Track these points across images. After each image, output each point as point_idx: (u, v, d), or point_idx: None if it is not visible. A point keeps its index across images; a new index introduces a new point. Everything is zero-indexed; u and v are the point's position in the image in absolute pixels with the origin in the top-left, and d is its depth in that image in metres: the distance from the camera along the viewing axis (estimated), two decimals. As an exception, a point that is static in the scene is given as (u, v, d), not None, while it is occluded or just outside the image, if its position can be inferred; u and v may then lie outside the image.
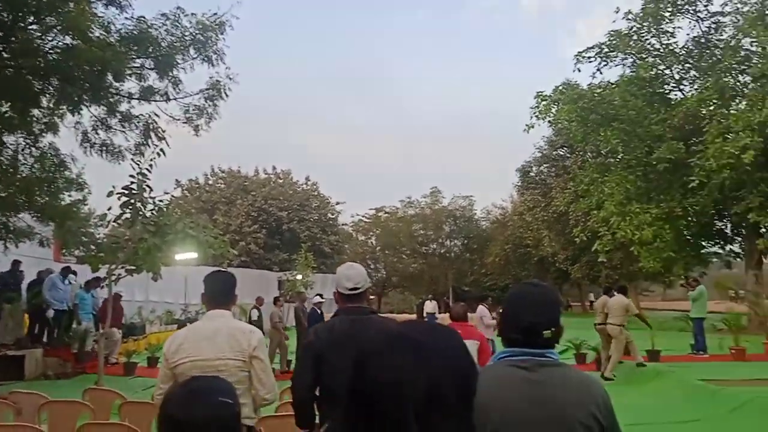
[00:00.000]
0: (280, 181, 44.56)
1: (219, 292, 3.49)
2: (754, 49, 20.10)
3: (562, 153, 41.30)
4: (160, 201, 10.52)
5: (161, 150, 10.50)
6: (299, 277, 30.99)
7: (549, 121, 24.18)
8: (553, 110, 23.10)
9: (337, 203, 46.75)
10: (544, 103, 23.05)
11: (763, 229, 20.37)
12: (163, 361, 3.35)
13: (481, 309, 12.90)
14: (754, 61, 19.71)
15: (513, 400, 1.73)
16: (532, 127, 23.62)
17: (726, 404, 8.08)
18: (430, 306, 27.66)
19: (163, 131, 11.12)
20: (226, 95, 12.22)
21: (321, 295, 14.89)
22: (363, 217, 56.72)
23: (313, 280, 33.76)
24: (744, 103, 19.27)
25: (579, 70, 23.94)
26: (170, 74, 12.27)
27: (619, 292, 12.67)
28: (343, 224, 52.00)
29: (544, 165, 43.67)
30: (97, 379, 9.85)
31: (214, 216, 42.22)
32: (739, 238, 23.67)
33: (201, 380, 1.68)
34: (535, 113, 23.31)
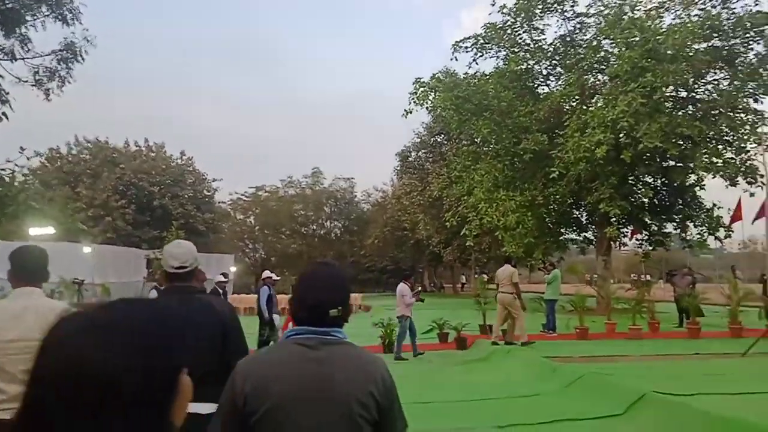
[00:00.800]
0: (153, 154, 42.20)
1: (28, 269, 3.20)
2: (611, 50, 21.67)
3: (439, 140, 42.48)
4: (2, 170, 9.59)
5: (3, 114, 9.56)
6: (170, 255, 29.71)
7: (427, 108, 24.68)
8: (431, 97, 23.57)
9: (214, 180, 45.20)
10: (422, 89, 23.46)
11: (613, 219, 22.17)
12: (-43, 344, 3.02)
13: (402, 287, 12.88)
14: (611, 61, 21.23)
15: (293, 377, 1.74)
16: (411, 112, 24.03)
17: (563, 379, 8.72)
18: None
19: (7, 93, 10.13)
20: (82, 58, 11.31)
21: (225, 275, 14.18)
22: (242, 195, 55.40)
23: (184, 259, 32.52)
24: (601, 101, 20.73)
25: (456, 59, 24.65)
26: (18, 31, 11.14)
27: (506, 262, 13.26)
28: (220, 202, 50.45)
29: (423, 150, 44.75)
30: None
31: (77, 189, 39.39)
32: (593, 226, 25.57)
33: None
34: (413, 99, 23.68)
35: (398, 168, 47.66)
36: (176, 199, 40.27)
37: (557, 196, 22.80)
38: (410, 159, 45.99)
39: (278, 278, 15.23)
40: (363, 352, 1.92)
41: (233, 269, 39.71)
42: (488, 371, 10.58)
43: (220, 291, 12.90)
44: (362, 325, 18.03)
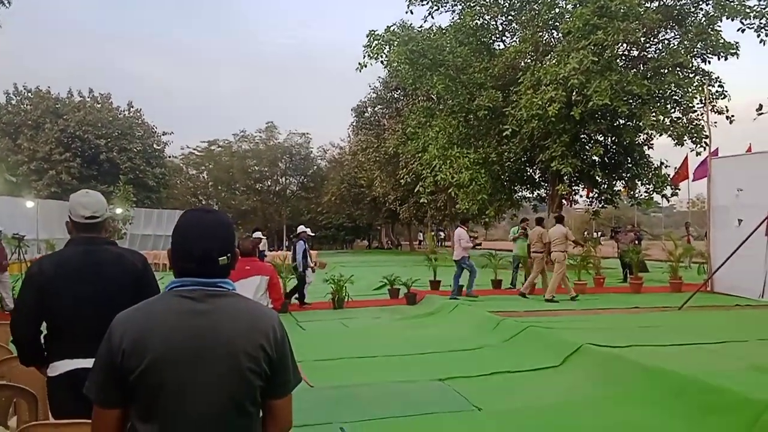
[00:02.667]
0: (98, 105, 40.42)
1: None
2: (565, 6, 21.52)
3: (395, 95, 41.98)
4: None
5: None
6: (118, 211, 28.94)
7: (382, 62, 24.16)
8: (386, 51, 23.09)
9: (164, 134, 43.74)
10: (376, 42, 22.95)
11: (565, 177, 22.43)
12: None
13: (460, 231, 13.40)
14: (566, 18, 21.09)
15: (174, 331, 1.63)
16: (365, 66, 23.45)
17: (505, 333, 8.87)
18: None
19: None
20: (9, 2, 10.56)
21: (261, 231, 14.42)
22: (194, 150, 54.05)
23: (133, 215, 31.74)
24: (554, 58, 20.66)
25: (411, 12, 24.11)
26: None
27: (557, 222, 13.42)
28: (171, 156, 49.09)
29: (379, 106, 44.17)
30: None
31: (18, 141, 37.72)
32: (546, 184, 25.86)
33: None
34: (367, 53, 23.17)
35: (354, 124, 47.10)
36: (124, 152, 38.96)
37: (511, 154, 22.88)
38: (366, 114, 45.40)
39: (313, 234, 15.69)
40: (252, 305, 1.81)
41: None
42: (434, 326, 10.69)
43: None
44: (314, 281, 18.01)
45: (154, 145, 42.59)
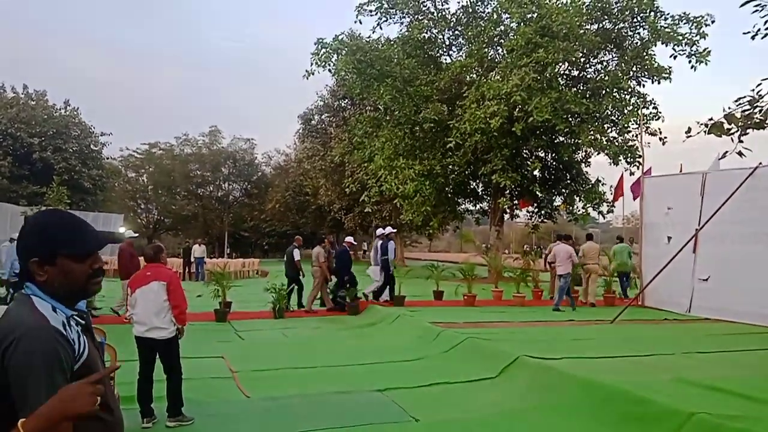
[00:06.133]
0: (33, 103, 38.74)
1: None
2: (510, 24, 22.06)
3: (343, 104, 41.94)
4: None
5: None
6: (51, 213, 27.79)
7: (329, 70, 24.14)
8: (334, 59, 23.09)
9: (102, 134, 42.23)
10: (324, 51, 22.93)
11: (506, 190, 22.91)
12: None
13: (568, 248, 14.13)
14: (511, 35, 21.63)
15: None
16: (312, 74, 23.41)
17: (445, 344, 8.94)
18: (198, 250, 26.75)
19: None
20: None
21: (353, 237, 14.97)
22: (134, 152, 52.45)
23: (66, 218, 30.45)
24: (498, 74, 21.14)
25: (360, 22, 24.20)
26: None
27: (588, 239, 15.73)
28: (109, 158, 47.44)
29: (326, 114, 44.02)
30: None
31: (-56, 137, 35.73)
32: (488, 197, 26.33)
33: None
34: (315, 60, 23.11)
35: (300, 131, 46.78)
36: (59, 152, 37.40)
37: (455, 167, 23.18)
38: (313, 122, 45.15)
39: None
40: (18, 311, 1.71)
41: (122, 230, 37.64)
42: (375, 336, 10.69)
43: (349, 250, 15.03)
44: (255, 290, 17.73)
45: (92, 146, 41.04)
